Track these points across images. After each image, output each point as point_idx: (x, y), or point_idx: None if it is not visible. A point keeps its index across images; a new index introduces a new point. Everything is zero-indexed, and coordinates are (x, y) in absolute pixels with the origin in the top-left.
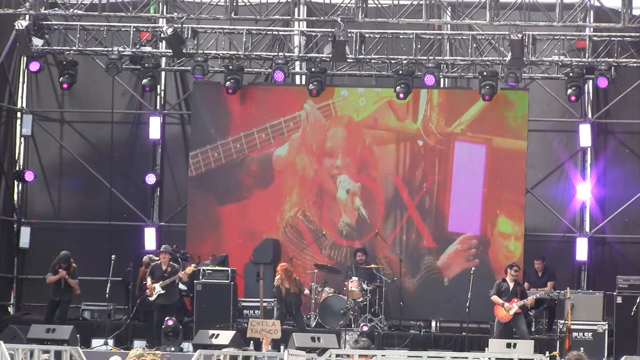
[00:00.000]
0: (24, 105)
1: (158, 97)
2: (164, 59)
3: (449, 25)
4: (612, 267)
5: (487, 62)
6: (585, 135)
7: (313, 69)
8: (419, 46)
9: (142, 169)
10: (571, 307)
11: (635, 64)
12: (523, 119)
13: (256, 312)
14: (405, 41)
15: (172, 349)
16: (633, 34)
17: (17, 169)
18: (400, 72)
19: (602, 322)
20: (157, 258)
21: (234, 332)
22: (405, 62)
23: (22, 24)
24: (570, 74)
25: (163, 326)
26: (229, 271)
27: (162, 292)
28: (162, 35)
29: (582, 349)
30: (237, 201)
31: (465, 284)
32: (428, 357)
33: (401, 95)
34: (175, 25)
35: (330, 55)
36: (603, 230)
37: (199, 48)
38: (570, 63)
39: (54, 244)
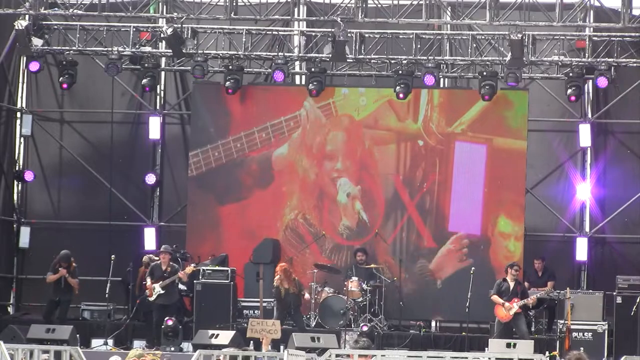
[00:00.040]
0: (24, 105)
1: (158, 97)
2: (163, 59)
3: (448, 25)
4: (612, 267)
5: (487, 62)
6: (585, 135)
7: (313, 69)
8: (418, 46)
9: (142, 169)
10: (571, 307)
11: (635, 64)
12: (523, 119)
13: (256, 312)
14: (405, 41)
15: (172, 349)
16: (633, 34)
17: (17, 168)
18: (400, 72)
19: (602, 322)
20: (157, 258)
21: (233, 332)
22: (405, 62)
23: (22, 24)
24: (570, 74)
25: (163, 326)
26: (229, 271)
27: (162, 292)
28: (162, 35)
29: (582, 349)
30: (237, 201)
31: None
32: (428, 357)
33: (401, 95)
34: (175, 25)
35: (330, 55)
36: (603, 230)
37: (198, 48)
38: (570, 63)
39: (54, 244)
